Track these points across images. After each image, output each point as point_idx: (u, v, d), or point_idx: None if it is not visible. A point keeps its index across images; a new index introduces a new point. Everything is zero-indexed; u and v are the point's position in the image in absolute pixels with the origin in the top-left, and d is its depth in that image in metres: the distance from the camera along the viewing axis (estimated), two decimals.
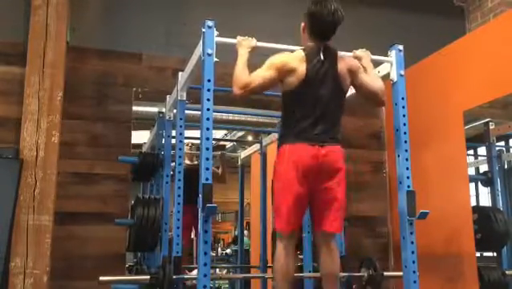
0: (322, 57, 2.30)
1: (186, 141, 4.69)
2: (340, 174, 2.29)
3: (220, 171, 4.98)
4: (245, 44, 2.37)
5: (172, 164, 3.21)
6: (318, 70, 2.29)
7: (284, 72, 2.29)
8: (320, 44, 2.34)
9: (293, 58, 2.31)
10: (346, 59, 2.42)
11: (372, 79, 2.45)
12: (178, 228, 2.82)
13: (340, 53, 2.42)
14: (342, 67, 2.36)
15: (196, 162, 4.64)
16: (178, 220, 2.83)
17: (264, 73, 2.29)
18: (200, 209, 2.11)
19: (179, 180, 2.92)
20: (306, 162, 2.22)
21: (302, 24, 2.44)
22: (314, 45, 2.35)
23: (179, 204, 2.86)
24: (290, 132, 2.29)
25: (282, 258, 2.27)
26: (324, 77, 2.30)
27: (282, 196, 2.26)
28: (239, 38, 2.39)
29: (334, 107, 2.34)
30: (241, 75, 2.27)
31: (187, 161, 4.70)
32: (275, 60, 2.31)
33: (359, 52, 2.55)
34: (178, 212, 2.85)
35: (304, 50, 2.35)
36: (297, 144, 2.25)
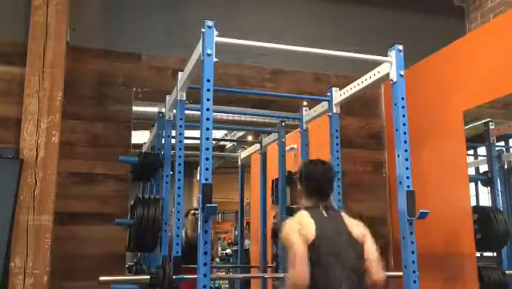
0: (325, 214, 2.32)
1: (192, 211, 4.65)
2: None
3: None
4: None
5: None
6: (325, 224, 2.28)
7: (304, 235, 2.24)
8: (319, 203, 2.37)
9: (302, 220, 2.30)
10: (353, 221, 2.41)
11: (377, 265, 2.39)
12: (178, 228, 2.82)
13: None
14: (349, 222, 2.35)
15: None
16: (178, 220, 2.83)
17: (298, 248, 2.21)
18: (200, 209, 2.11)
19: (179, 180, 2.92)
20: None
21: (298, 188, 2.46)
22: (314, 204, 2.36)
23: (179, 204, 2.86)
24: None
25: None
26: (333, 229, 2.30)
27: None
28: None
29: (354, 260, 2.29)
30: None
31: (191, 232, 4.65)
32: (293, 231, 2.26)
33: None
34: (178, 212, 2.85)
35: (305, 209, 2.36)
36: None
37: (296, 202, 3.37)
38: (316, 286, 2.19)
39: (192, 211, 4.72)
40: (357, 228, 2.40)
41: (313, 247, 2.23)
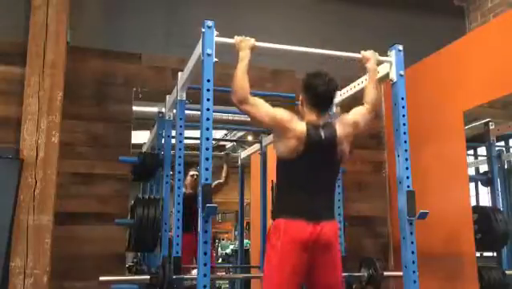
0: (322, 135, 2.28)
1: (191, 173, 4.68)
2: (335, 249, 2.29)
3: (224, 175, 4.98)
4: (245, 46, 2.34)
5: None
6: (316, 147, 2.26)
7: (285, 127, 2.25)
8: (320, 119, 2.33)
9: (298, 124, 2.28)
10: (342, 122, 2.39)
11: (369, 90, 2.49)
12: (178, 228, 2.82)
13: (337, 121, 2.40)
14: (340, 137, 2.33)
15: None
16: (178, 220, 2.83)
17: (268, 111, 2.26)
18: (200, 209, 2.12)
19: (179, 180, 2.92)
20: (302, 239, 2.18)
21: (300, 98, 2.42)
22: (315, 121, 2.33)
23: (179, 204, 2.86)
24: (286, 206, 2.28)
25: None
26: (322, 152, 2.28)
27: (278, 270, 2.19)
28: (237, 38, 2.36)
29: (330, 184, 2.36)
30: (243, 85, 2.24)
31: (189, 190, 4.66)
32: (282, 113, 2.28)
33: (367, 53, 2.56)
34: (178, 212, 2.85)
35: (306, 124, 2.32)
36: (292, 220, 2.21)
37: None
38: (286, 202, 2.28)
39: (190, 173, 4.71)
40: (347, 124, 2.38)
41: (295, 164, 2.25)
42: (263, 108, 2.27)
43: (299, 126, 2.27)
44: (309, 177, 2.27)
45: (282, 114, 2.27)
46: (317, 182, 2.28)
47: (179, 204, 2.86)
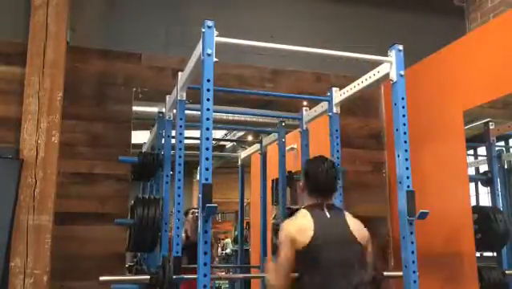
0: (327, 214, 2.30)
1: (192, 210, 4.66)
2: None
3: None
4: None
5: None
6: (326, 225, 2.27)
7: (297, 242, 2.25)
8: (322, 202, 2.35)
9: (300, 221, 2.29)
10: (356, 222, 2.41)
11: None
12: (178, 228, 2.82)
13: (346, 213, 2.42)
14: (353, 224, 2.34)
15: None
16: (178, 220, 2.83)
17: (283, 256, 2.25)
18: (200, 209, 2.11)
19: (179, 180, 2.92)
20: None
21: (301, 184, 2.45)
22: (316, 202, 2.34)
23: (179, 204, 2.86)
24: None
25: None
26: (335, 232, 2.29)
27: None
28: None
29: (354, 262, 2.30)
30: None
31: (190, 234, 4.64)
32: (287, 235, 2.27)
33: None
34: (178, 212, 2.85)
35: (307, 208, 2.34)
36: None
37: (296, 202, 3.36)
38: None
39: (191, 210, 4.72)
40: (360, 230, 2.40)
41: (309, 249, 2.23)
42: (280, 268, 2.25)
43: (302, 221, 2.28)
44: (325, 262, 2.22)
45: (288, 242, 2.26)
46: (335, 268, 2.23)
47: (179, 204, 2.86)
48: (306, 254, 2.24)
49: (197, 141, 2.26)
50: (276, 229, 4.38)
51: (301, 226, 2.29)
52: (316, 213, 2.31)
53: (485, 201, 3.75)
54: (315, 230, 2.25)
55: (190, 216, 4.70)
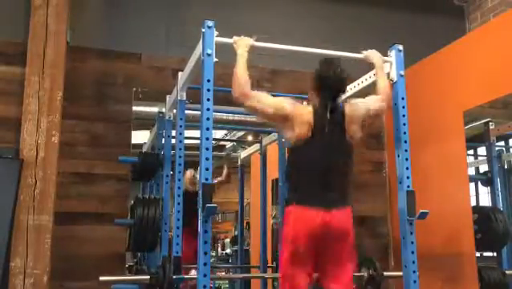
0: (328, 116, 2.27)
1: (190, 171, 4.72)
2: (349, 238, 2.25)
3: (225, 173, 5.01)
4: (242, 44, 2.36)
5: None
6: (324, 128, 2.25)
7: (290, 115, 2.25)
8: (327, 102, 2.31)
9: (301, 112, 2.28)
10: (349, 107, 2.37)
11: (379, 83, 2.49)
12: (178, 228, 2.82)
13: (345, 104, 2.39)
14: (348, 119, 2.32)
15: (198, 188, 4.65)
16: (178, 220, 2.83)
17: (271, 102, 2.27)
18: (200, 209, 2.11)
19: (179, 180, 2.92)
20: (311, 228, 2.16)
21: (312, 85, 2.41)
22: (322, 102, 2.31)
23: (179, 204, 2.86)
24: (296, 193, 2.26)
25: None
26: (331, 136, 2.27)
27: (289, 259, 2.20)
28: (235, 38, 2.37)
29: (342, 167, 2.31)
30: (243, 81, 2.25)
31: (189, 186, 4.69)
32: (284, 103, 2.29)
33: (369, 52, 2.57)
34: (178, 212, 2.85)
35: (312, 106, 2.32)
36: (302, 207, 2.20)
37: None
38: (296, 188, 2.27)
39: (188, 170, 4.76)
40: (350, 113, 2.35)
41: (299, 143, 2.25)
42: (266, 101, 2.28)
43: (305, 109, 2.29)
44: (318, 161, 2.24)
45: (283, 103, 2.29)
46: (328, 166, 2.24)
47: (179, 204, 2.86)
48: (304, 148, 2.25)
49: (197, 141, 2.26)
50: (276, 229, 4.40)
51: (301, 111, 2.28)
52: (318, 113, 2.27)
53: (485, 201, 3.76)
54: (314, 126, 2.24)
55: (187, 173, 4.74)
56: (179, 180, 2.92)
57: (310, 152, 2.25)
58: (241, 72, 2.26)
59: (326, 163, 2.24)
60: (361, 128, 2.36)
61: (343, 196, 2.28)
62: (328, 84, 2.31)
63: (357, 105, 2.39)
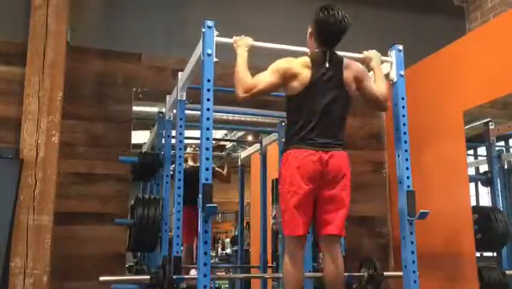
0: (327, 64, 2.30)
1: (190, 142, 4.73)
2: (345, 179, 2.29)
3: (225, 171, 5.01)
4: (242, 44, 2.37)
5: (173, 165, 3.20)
6: (322, 76, 2.29)
7: (288, 77, 2.29)
8: (326, 51, 2.34)
9: (298, 63, 2.31)
10: (352, 65, 2.41)
11: (378, 85, 2.48)
12: (178, 228, 2.82)
13: (346, 59, 2.41)
14: (348, 74, 2.36)
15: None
16: (178, 220, 2.83)
17: (268, 78, 2.29)
18: (200, 209, 2.11)
19: (179, 180, 2.92)
20: (310, 167, 2.21)
21: (309, 30, 2.43)
22: (320, 52, 2.34)
23: (179, 204, 2.86)
24: (295, 137, 2.29)
25: (290, 267, 2.25)
26: (329, 84, 2.30)
27: (288, 200, 2.25)
28: (235, 37, 2.39)
29: (338, 113, 2.34)
30: (245, 78, 2.27)
31: (190, 163, 4.71)
32: (280, 65, 2.31)
33: (369, 53, 2.57)
34: (178, 212, 2.85)
35: (310, 56, 2.35)
36: (301, 149, 2.24)
37: None
38: (295, 132, 2.29)
39: (191, 147, 4.77)
40: (351, 71, 2.38)
41: (300, 93, 2.28)
42: (266, 77, 2.30)
43: (303, 63, 2.30)
44: (315, 106, 2.28)
45: (283, 65, 2.31)
46: (325, 112, 2.28)
47: (179, 204, 2.86)
48: (301, 97, 2.28)
49: (197, 141, 2.26)
50: (276, 230, 4.40)
51: (299, 66, 2.29)
52: (317, 63, 2.30)
53: (485, 201, 3.76)
54: (311, 78, 2.27)
55: (189, 149, 4.76)
56: (179, 180, 2.92)
57: (308, 99, 2.29)
58: (243, 71, 2.29)
59: (324, 109, 2.28)
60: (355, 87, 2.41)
61: (339, 140, 2.33)
62: (329, 35, 2.35)
63: (358, 72, 2.41)
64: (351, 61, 2.44)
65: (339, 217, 2.28)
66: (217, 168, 4.78)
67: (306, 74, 2.28)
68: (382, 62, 2.61)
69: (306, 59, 2.32)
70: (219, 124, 4.27)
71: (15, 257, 2.81)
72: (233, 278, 5.49)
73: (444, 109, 3.32)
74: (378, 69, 2.55)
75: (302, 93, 2.28)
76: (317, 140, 2.25)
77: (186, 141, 3.08)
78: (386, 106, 2.50)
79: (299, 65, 2.30)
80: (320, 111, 2.27)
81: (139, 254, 4.15)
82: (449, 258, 3.20)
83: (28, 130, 2.98)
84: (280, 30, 3.91)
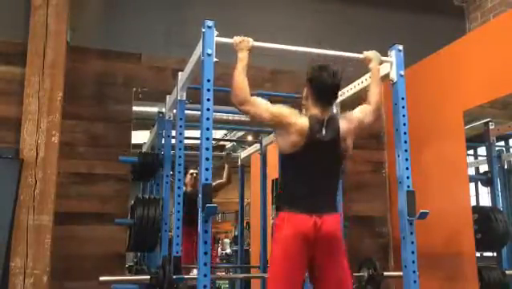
0: (324, 131, 2.27)
1: (190, 142, 4.73)
2: (339, 244, 2.28)
3: (225, 175, 5.01)
4: (243, 46, 2.34)
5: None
6: (319, 139, 2.26)
7: (280, 124, 2.27)
8: (324, 113, 2.32)
9: (298, 119, 2.28)
10: (345, 120, 2.37)
11: (372, 90, 2.49)
12: (178, 228, 2.82)
13: (340, 117, 2.40)
14: (344, 133, 2.32)
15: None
16: (178, 220, 2.83)
17: (264, 111, 2.27)
18: (200, 209, 2.11)
19: (179, 180, 2.92)
20: (304, 232, 2.18)
21: (305, 91, 2.40)
22: (319, 115, 2.31)
23: (179, 204, 2.86)
24: (288, 200, 2.27)
25: None
26: (325, 147, 2.27)
27: (279, 264, 2.21)
28: (236, 38, 2.36)
29: (332, 176, 2.36)
30: (242, 88, 2.24)
31: (189, 188, 4.71)
32: (281, 109, 2.29)
33: (369, 53, 2.56)
34: (178, 212, 2.85)
35: (309, 118, 2.32)
36: (295, 213, 2.21)
37: None
38: (288, 195, 2.28)
39: (190, 171, 4.78)
40: (347, 125, 2.36)
41: (295, 156, 2.25)
42: (262, 107, 2.27)
43: (300, 120, 2.27)
44: (311, 171, 2.27)
45: (281, 110, 2.29)
46: (319, 176, 2.27)
47: (179, 204, 2.86)
48: (296, 157, 2.26)
49: (197, 141, 2.26)
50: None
51: (297, 119, 2.27)
52: (314, 127, 2.26)
53: (485, 201, 3.76)
54: (307, 139, 2.24)
55: (188, 176, 4.77)
56: (179, 180, 2.92)
57: (303, 161, 2.26)
58: (241, 79, 2.26)
59: (318, 173, 2.27)
60: (352, 140, 2.38)
61: (332, 203, 2.33)
62: (324, 92, 2.33)
63: (351, 121, 2.39)
64: (344, 117, 2.41)
65: (339, 266, 2.28)
66: (217, 182, 4.79)
67: (301, 136, 2.24)
68: (382, 62, 2.61)
69: (306, 123, 2.27)
70: (219, 124, 4.26)
71: (15, 257, 2.82)
72: (233, 278, 5.49)
73: (444, 109, 3.32)
74: (376, 71, 2.55)
75: (296, 154, 2.25)
76: (310, 204, 2.22)
77: (186, 141, 3.07)
78: (381, 112, 2.50)
79: (301, 120, 2.26)
80: (314, 175, 2.26)
81: (139, 254, 4.15)
82: (448, 258, 3.20)
83: (28, 130, 2.99)
84: (280, 30, 3.91)
